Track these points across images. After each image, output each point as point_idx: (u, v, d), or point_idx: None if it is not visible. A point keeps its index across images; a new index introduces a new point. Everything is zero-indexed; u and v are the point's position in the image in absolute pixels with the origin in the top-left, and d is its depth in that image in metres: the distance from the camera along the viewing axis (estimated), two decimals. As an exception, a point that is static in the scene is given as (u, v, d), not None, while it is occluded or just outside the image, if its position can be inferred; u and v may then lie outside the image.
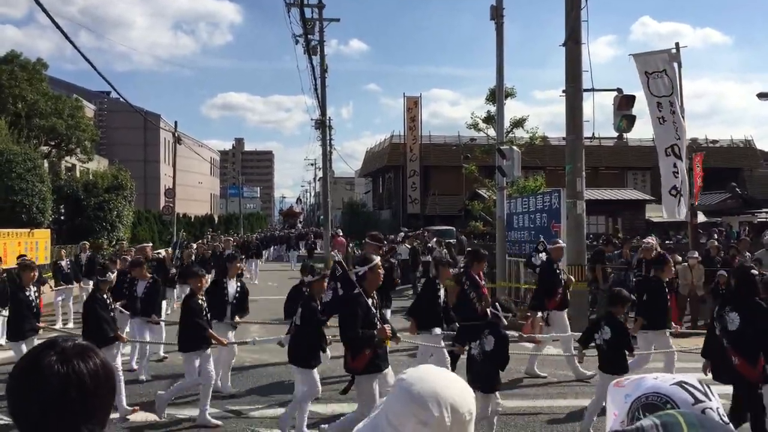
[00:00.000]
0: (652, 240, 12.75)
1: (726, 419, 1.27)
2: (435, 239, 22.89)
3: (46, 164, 25.67)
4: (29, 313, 8.31)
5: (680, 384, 1.32)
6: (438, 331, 8.04)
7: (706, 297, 13.50)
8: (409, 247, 22.25)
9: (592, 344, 6.85)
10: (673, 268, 9.59)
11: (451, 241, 23.63)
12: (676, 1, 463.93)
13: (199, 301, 7.41)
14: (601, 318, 7.05)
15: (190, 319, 7.26)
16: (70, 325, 13.38)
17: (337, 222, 47.50)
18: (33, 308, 8.44)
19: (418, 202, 44.00)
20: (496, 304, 6.57)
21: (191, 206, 57.85)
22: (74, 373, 1.37)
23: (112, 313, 7.91)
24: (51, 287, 14.52)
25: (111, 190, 26.31)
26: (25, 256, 15.27)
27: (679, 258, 13.51)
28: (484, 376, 6.14)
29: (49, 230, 21.35)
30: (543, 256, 10.99)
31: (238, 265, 9.57)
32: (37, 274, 8.96)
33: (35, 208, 21.46)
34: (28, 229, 19.36)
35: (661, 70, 14.18)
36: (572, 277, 10.92)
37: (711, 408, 1.27)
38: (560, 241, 10.85)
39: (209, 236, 33.84)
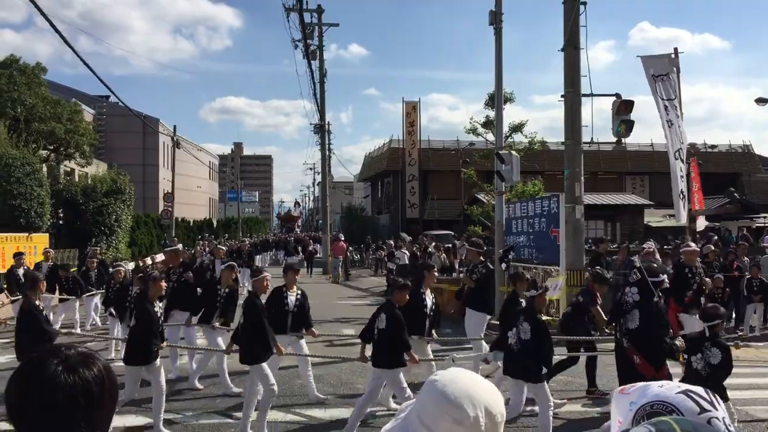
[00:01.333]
0: (651, 244, 12.78)
1: (732, 429, 1.26)
2: (434, 244, 22.89)
3: (44, 168, 25.63)
4: (158, 333, 7.19)
5: (686, 393, 1.30)
6: None
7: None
8: (407, 252, 22.24)
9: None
10: None
11: (449, 245, 23.66)
12: (674, 6, 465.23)
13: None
14: None
15: (399, 335, 6.76)
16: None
17: (336, 226, 47.48)
18: (161, 327, 7.41)
19: (416, 207, 43.99)
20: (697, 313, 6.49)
21: (190, 210, 57.83)
22: (81, 381, 1.37)
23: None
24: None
25: (110, 195, 26.27)
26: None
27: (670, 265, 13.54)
28: (717, 390, 6.18)
29: (47, 235, 21.33)
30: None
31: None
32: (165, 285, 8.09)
33: (34, 212, 21.43)
34: (27, 234, 19.35)
35: (665, 74, 14.28)
36: (708, 280, 11.11)
37: (717, 417, 1.26)
38: (692, 244, 11.15)
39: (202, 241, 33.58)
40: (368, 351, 7.24)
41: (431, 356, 8.13)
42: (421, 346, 7.89)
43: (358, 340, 10.34)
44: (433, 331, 8.39)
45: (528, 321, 6.44)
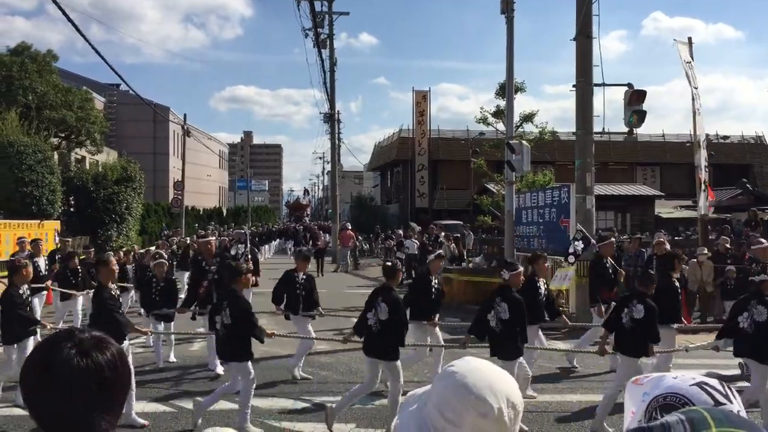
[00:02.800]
0: (662, 235, 12.73)
1: None
2: (443, 234, 22.88)
3: (56, 156, 25.77)
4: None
5: (700, 385, 1.28)
6: None
7: (716, 293, 13.47)
8: (417, 242, 22.23)
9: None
10: None
11: (458, 235, 23.65)
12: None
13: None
14: None
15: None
16: None
17: (345, 216, 47.51)
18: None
19: (426, 197, 43.92)
20: None
21: (200, 199, 58.00)
22: (94, 365, 1.37)
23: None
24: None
25: (120, 182, 26.38)
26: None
27: (685, 256, 13.52)
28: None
29: (58, 222, 21.44)
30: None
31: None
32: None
33: (45, 199, 21.56)
34: (38, 221, 19.45)
35: (689, 61, 14.21)
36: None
37: (732, 411, 1.22)
38: (764, 241, 11.26)
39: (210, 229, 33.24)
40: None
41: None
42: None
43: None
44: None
45: (761, 304, 6.78)
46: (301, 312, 8.95)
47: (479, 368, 1.37)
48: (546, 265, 8.50)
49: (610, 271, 10.06)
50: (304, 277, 9.13)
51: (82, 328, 1.46)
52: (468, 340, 7.48)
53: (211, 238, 11.96)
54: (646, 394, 1.32)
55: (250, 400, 6.67)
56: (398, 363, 6.68)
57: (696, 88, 14.38)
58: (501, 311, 6.90)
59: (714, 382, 1.30)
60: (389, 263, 7.37)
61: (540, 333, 8.55)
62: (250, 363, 6.74)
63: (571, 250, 11.42)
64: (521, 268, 7.50)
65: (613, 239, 11.56)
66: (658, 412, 1.27)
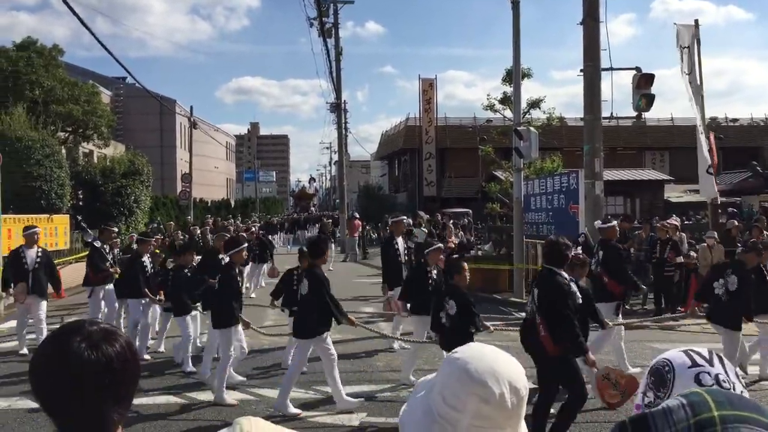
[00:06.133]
0: (675, 221, 12.63)
1: (726, 385, 1.25)
2: (452, 222, 22.85)
3: (63, 150, 25.81)
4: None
5: (686, 351, 1.33)
6: None
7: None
8: (425, 230, 22.16)
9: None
10: None
11: (464, 223, 23.60)
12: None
13: None
14: None
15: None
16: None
17: (353, 206, 47.51)
18: None
19: (434, 185, 43.84)
20: None
21: (208, 191, 58.15)
22: (104, 357, 1.36)
23: None
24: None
25: (128, 176, 26.45)
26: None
27: (692, 240, 13.45)
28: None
29: (68, 216, 21.51)
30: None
31: None
32: None
33: (54, 193, 21.63)
34: (47, 215, 19.52)
35: (687, 46, 14.06)
36: None
37: (708, 373, 1.26)
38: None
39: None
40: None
41: None
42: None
43: (379, 318, 10.38)
44: None
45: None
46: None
47: (483, 353, 1.39)
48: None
49: None
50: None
51: (91, 321, 1.45)
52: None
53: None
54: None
55: None
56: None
57: (688, 74, 14.25)
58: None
59: (702, 349, 1.34)
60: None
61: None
62: None
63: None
64: None
65: None
66: (648, 378, 1.33)
